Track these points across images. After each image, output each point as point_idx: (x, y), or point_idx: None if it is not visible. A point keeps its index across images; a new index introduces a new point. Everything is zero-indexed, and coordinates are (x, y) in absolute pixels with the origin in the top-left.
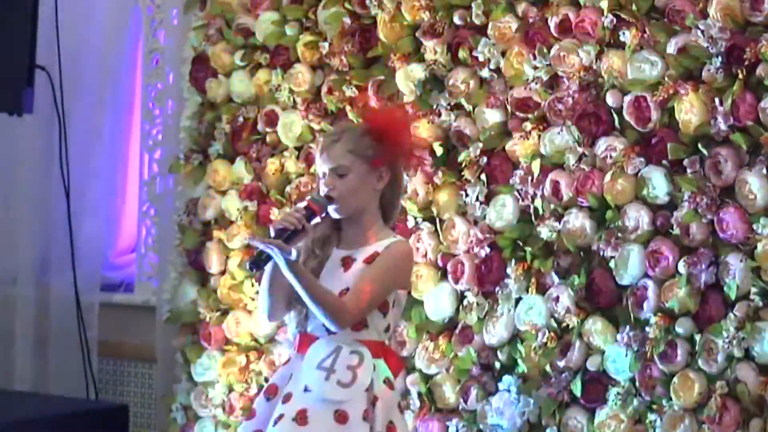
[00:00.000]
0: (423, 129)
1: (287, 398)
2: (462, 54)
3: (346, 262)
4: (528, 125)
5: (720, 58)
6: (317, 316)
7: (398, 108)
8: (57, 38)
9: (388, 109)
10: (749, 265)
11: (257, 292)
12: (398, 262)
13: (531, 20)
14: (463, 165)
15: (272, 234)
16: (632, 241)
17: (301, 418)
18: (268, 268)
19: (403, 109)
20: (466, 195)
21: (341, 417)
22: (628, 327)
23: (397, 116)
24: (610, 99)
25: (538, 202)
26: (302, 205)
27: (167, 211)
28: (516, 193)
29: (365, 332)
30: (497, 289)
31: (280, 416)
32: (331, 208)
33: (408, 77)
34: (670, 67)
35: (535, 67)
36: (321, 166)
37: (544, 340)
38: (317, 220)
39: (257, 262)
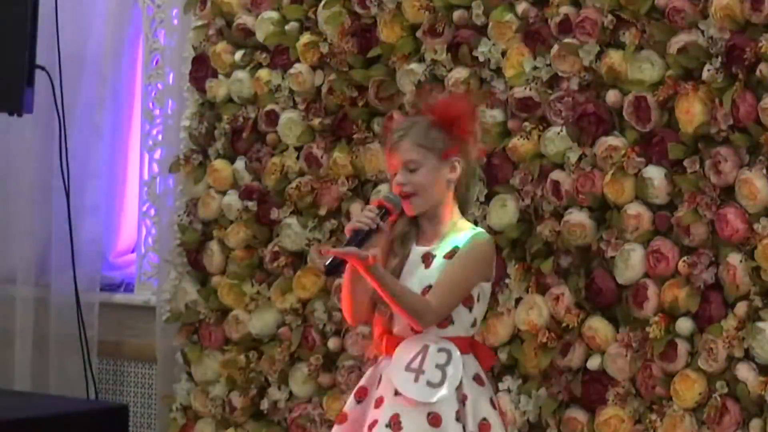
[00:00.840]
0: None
1: (379, 403)
2: (462, 54)
3: (426, 259)
4: (528, 125)
5: (720, 58)
6: (403, 316)
7: (462, 96)
8: (57, 38)
9: (451, 98)
10: (749, 265)
11: (257, 292)
12: (479, 255)
13: (531, 20)
14: None
15: (347, 237)
16: (632, 241)
17: (395, 423)
18: (348, 269)
19: (466, 97)
20: None
21: (435, 420)
22: (628, 327)
23: (462, 104)
24: (610, 99)
25: (538, 202)
26: (375, 204)
27: (167, 211)
28: (516, 193)
29: (451, 329)
30: (497, 289)
31: (374, 422)
32: (406, 205)
33: (408, 77)
34: (670, 67)
35: (535, 67)
36: (391, 165)
37: (544, 340)
38: (391, 218)
39: (333, 267)
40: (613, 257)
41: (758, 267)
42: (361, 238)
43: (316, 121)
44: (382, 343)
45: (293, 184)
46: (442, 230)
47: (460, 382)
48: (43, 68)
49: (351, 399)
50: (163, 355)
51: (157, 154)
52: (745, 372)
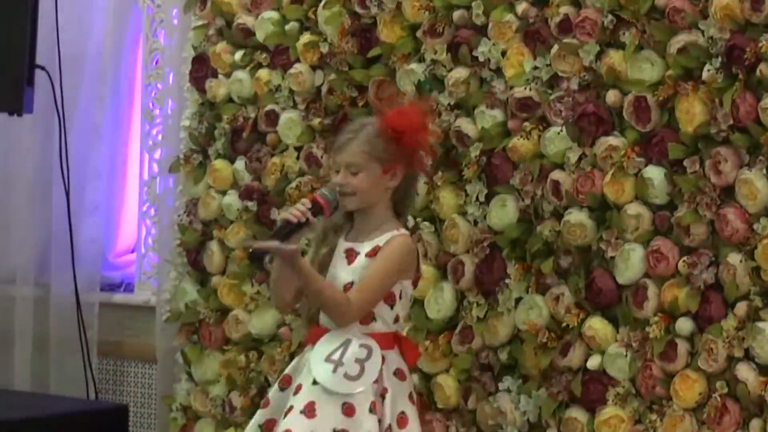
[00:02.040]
0: (431, 129)
1: (297, 390)
2: (462, 54)
3: (350, 254)
4: (528, 125)
5: (720, 58)
6: (323, 311)
7: (415, 107)
8: (57, 38)
9: (404, 108)
10: (749, 265)
11: (257, 292)
12: (398, 257)
13: (531, 20)
14: (463, 165)
15: (277, 225)
16: (632, 241)
17: (309, 410)
18: (276, 260)
19: (421, 109)
20: (466, 195)
21: (348, 409)
22: (628, 327)
23: (415, 117)
24: (610, 99)
25: (538, 202)
26: (309, 198)
27: (167, 211)
28: (516, 193)
29: (374, 325)
30: (497, 289)
31: (290, 408)
32: (338, 202)
33: (408, 77)
34: (670, 67)
35: (535, 67)
36: (335, 162)
37: (544, 340)
38: (322, 215)
39: (256, 257)
40: (613, 257)
41: (758, 267)
42: (289, 229)
43: (316, 121)
44: (308, 333)
45: (293, 184)
46: (370, 229)
47: (380, 376)
48: (43, 68)
49: (275, 386)
50: (163, 355)
51: (157, 154)
52: (745, 372)
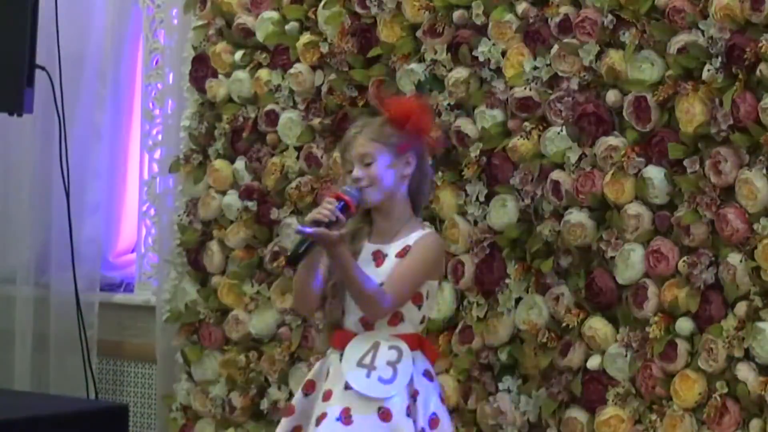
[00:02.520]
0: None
1: (327, 396)
2: (462, 54)
3: (378, 257)
4: (528, 125)
5: (720, 58)
6: (356, 303)
7: (415, 97)
8: (57, 38)
9: (405, 98)
10: (749, 265)
11: (257, 292)
12: (432, 255)
13: (531, 20)
14: (463, 165)
15: (308, 230)
16: (632, 241)
17: (346, 417)
18: (303, 262)
19: (421, 97)
20: (466, 195)
21: (385, 414)
22: (628, 327)
23: (416, 103)
24: (610, 99)
25: (538, 202)
26: (333, 197)
27: (167, 211)
28: (516, 193)
29: (402, 326)
30: (497, 289)
31: (323, 415)
32: (360, 196)
33: (408, 77)
34: (670, 67)
35: (535, 67)
36: (346, 161)
37: (544, 340)
38: (349, 211)
39: (297, 255)
40: (613, 257)
41: (758, 267)
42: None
43: (316, 121)
44: (332, 337)
45: (293, 184)
46: (394, 227)
47: (411, 378)
48: (43, 68)
49: (299, 392)
50: (163, 355)
51: (157, 154)
52: (745, 372)
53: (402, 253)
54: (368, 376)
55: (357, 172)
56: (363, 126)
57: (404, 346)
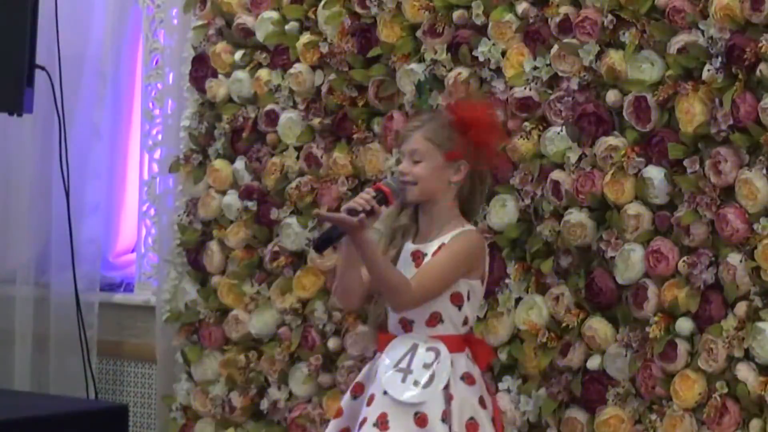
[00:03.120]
0: (501, 129)
1: (370, 400)
2: (462, 54)
3: (417, 257)
4: (528, 125)
5: (720, 58)
6: (381, 293)
7: (487, 104)
8: (57, 38)
9: (476, 103)
10: (749, 265)
11: (257, 292)
12: (465, 250)
13: (531, 20)
14: None
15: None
16: (632, 241)
17: (382, 422)
18: (342, 250)
19: (491, 105)
20: None
21: (421, 420)
22: (628, 327)
23: (484, 112)
24: (610, 99)
25: (538, 202)
26: (374, 188)
27: (167, 211)
28: (516, 193)
29: (441, 327)
30: (497, 289)
31: (364, 419)
32: (401, 191)
33: (408, 77)
34: (670, 67)
35: (535, 67)
36: (400, 150)
37: (544, 340)
38: (387, 204)
39: (323, 242)
40: (613, 257)
41: (758, 267)
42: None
43: (316, 121)
44: (378, 339)
45: (293, 184)
46: (436, 230)
47: (448, 382)
48: (43, 68)
49: (347, 394)
50: (163, 355)
51: (157, 154)
52: (745, 372)
53: (437, 251)
54: (404, 380)
55: (403, 166)
56: (425, 122)
57: (443, 348)
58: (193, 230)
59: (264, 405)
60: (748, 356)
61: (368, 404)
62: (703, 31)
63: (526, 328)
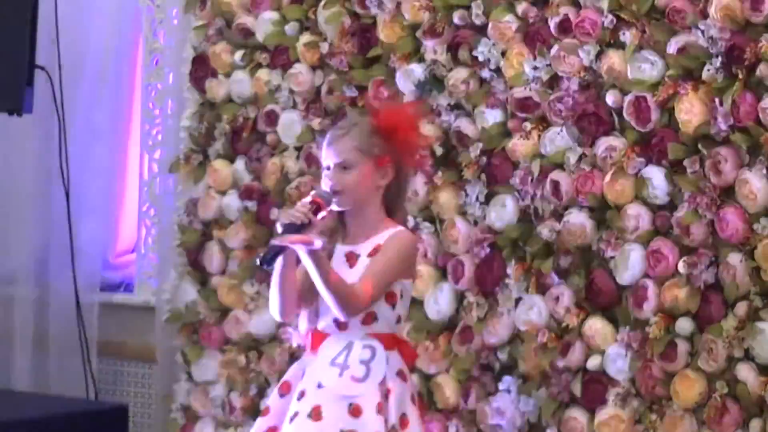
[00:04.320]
0: (423, 129)
1: (301, 395)
2: (462, 54)
3: (351, 258)
4: (528, 125)
5: (720, 58)
6: (329, 305)
7: (408, 106)
8: (57, 38)
9: (398, 106)
10: (749, 265)
11: (257, 292)
12: (402, 250)
13: (531, 20)
14: (463, 165)
15: (280, 230)
16: (632, 241)
17: (316, 414)
18: (277, 266)
19: (412, 108)
20: (466, 195)
21: (355, 410)
22: (628, 327)
23: (407, 115)
24: (610, 99)
25: (538, 202)
26: (308, 199)
27: (167, 211)
28: (516, 193)
29: (376, 325)
30: (497, 289)
31: (296, 414)
32: (333, 201)
33: (408, 77)
34: (670, 67)
35: (535, 67)
36: (326, 159)
37: (544, 340)
38: (323, 214)
39: (267, 259)
40: (613, 257)
41: (758, 267)
42: (293, 231)
43: (316, 121)
44: (308, 340)
45: (293, 184)
46: (366, 231)
47: (384, 377)
48: (43, 68)
49: (274, 393)
50: (163, 355)
51: (157, 154)
52: (745, 372)
53: (373, 252)
54: (341, 374)
55: (332, 175)
56: (349, 128)
57: (378, 345)
58: (193, 230)
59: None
60: (748, 356)
61: (299, 399)
62: (703, 31)
63: (526, 328)
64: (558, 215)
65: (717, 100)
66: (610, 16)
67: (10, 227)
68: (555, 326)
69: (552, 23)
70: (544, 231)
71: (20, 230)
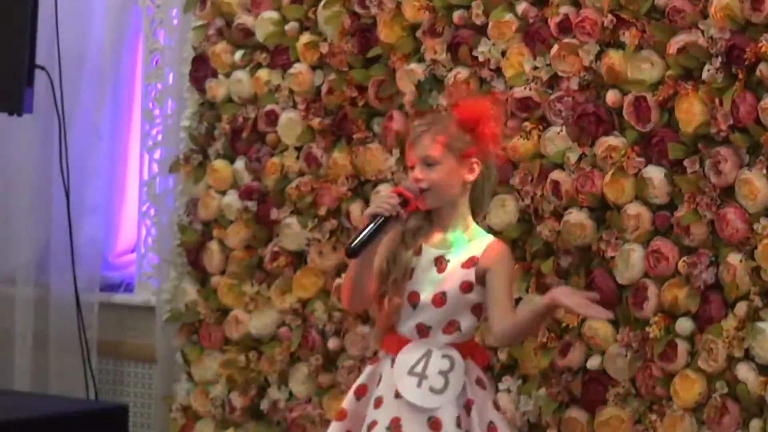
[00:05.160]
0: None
1: (378, 403)
2: (462, 54)
3: (439, 262)
4: (528, 125)
5: (720, 58)
6: (512, 341)
7: (488, 99)
8: (57, 38)
9: (478, 100)
10: (749, 265)
11: (257, 292)
12: (511, 269)
13: (531, 20)
14: None
15: (366, 222)
16: (632, 241)
17: (395, 426)
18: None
19: (492, 101)
20: None
21: (435, 424)
22: (628, 327)
23: (486, 107)
24: (610, 99)
25: (538, 202)
26: (394, 191)
27: (167, 211)
28: (516, 193)
29: (457, 335)
30: None
31: (374, 423)
32: (420, 199)
33: (408, 77)
34: (670, 67)
35: (535, 67)
36: (410, 157)
37: (544, 340)
38: (409, 208)
39: (357, 247)
40: (613, 257)
41: (758, 267)
42: (380, 223)
43: (316, 121)
44: (385, 340)
45: (293, 184)
46: (453, 231)
47: (464, 388)
48: (43, 68)
49: (350, 395)
50: (163, 355)
51: (156, 154)
52: (745, 372)
53: (468, 264)
54: (419, 385)
55: (418, 172)
56: (431, 123)
57: (457, 356)
58: (193, 230)
59: (264, 405)
60: (748, 356)
61: (376, 407)
62: (703, 31)
63: None
64: (558, 215)
65: (717, 100)
66: (610, 16)
67: (10, 227)
68: (555, 326)
69: (552, 23)
70: (544, 231)
71: (20, 230)
